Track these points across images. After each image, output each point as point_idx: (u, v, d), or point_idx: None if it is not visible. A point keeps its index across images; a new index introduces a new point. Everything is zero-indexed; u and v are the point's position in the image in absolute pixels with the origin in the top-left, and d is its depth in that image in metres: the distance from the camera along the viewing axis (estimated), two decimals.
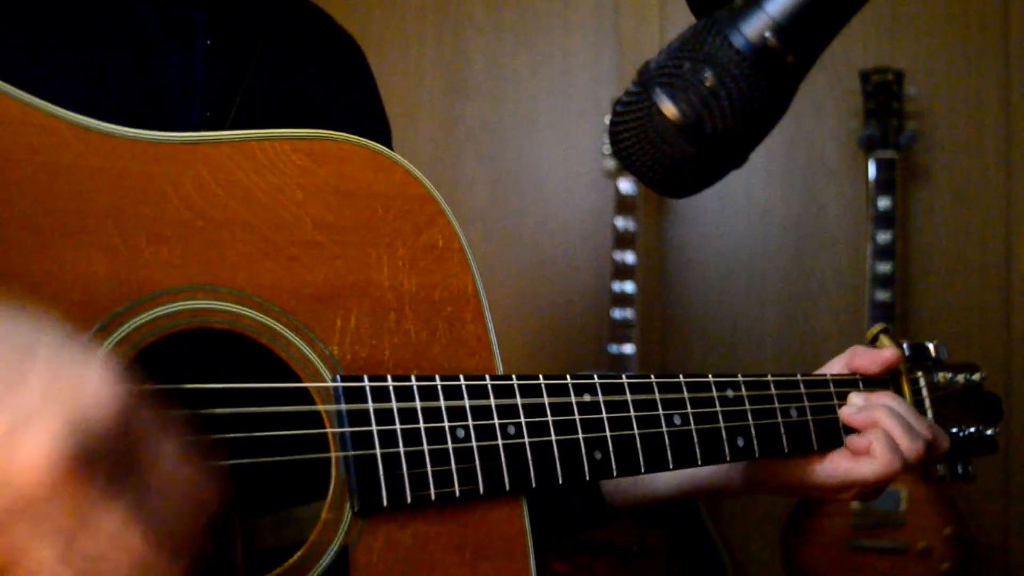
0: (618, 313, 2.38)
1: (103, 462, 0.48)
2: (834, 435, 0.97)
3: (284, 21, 1.00)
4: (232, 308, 0.68)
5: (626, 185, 2.40)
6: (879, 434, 0.94)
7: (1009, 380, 2.39)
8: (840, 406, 0.98)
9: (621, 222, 2.40)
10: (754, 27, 0.68)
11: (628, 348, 2.37)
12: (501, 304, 2.63)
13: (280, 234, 0.71)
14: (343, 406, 0.69)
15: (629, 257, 2.39)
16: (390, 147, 1.04)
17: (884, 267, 2.27)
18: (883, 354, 1.03)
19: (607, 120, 2.36)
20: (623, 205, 2.40)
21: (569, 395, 0.81)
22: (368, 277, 0.75)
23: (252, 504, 0.72)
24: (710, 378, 0.90)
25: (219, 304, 0.67)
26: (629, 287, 2.38)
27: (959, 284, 2.47)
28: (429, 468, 0.72)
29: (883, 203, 2.28)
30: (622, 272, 2.38)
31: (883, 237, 2.27)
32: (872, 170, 2.31)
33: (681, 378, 0.88)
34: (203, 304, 0.67)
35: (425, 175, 0.80)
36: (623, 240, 2.39)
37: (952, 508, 2.19)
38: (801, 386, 0.96)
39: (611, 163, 2.48)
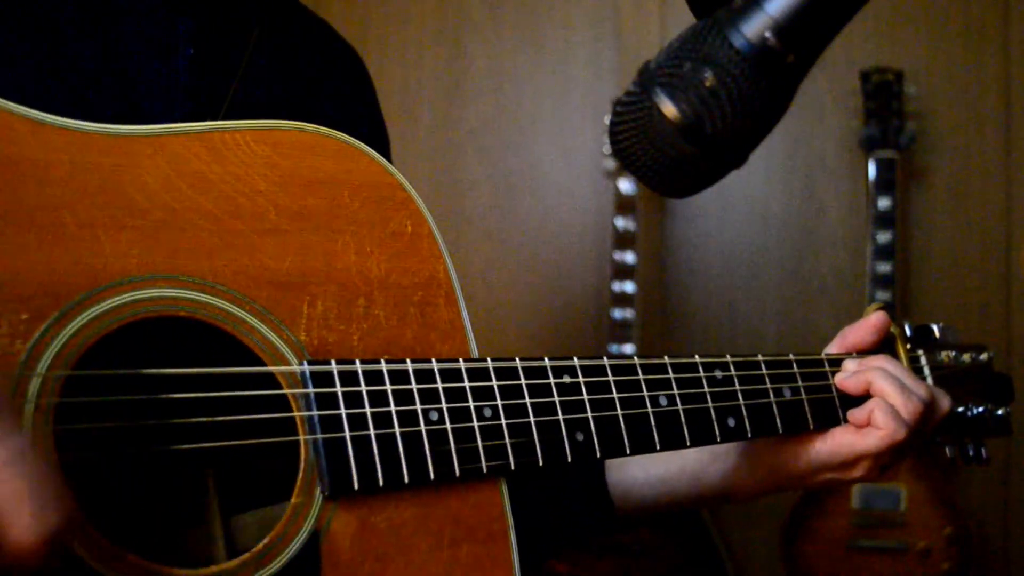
0: (618, 313, 2.38)
1: None
2: (831, 414, 0.95)
3: (278, 29, 0.98)
4: (194, 296, 0.67)
5: (626, 185, 2.40)
6: (878, 402, 0.91)
7: None
8: None
9: (621, 222, 2.40)
10: (754, 27, 0.68)
11: (628, 348, 2.37)
12: (500, 304, 2.63)
13: (243, 223, 0.71)
14: (311, 390, 0.69)
15: (629, 257, 2.39)
16: (388, 157, 1.04)
17: (884, 267, 2.27)
18: (870, 319, 1.00)
19: (607, 120, 2.37)
20: (623, 205, 2.41)
21: (548, 377, 0.79)
22: (335, 263, 0.74)
23: (235, 503, 0.71)
24: (697, 359, 0.88)
25: (180, 292, 0.67)
26: (629, 287, 2.38)
27: (959, 284, 2.47)
28: (401, 451, 0.71)
29: (883, 203, 2.28)
30: (622, 272, 2.38)
31: (883, 237, 2.27)
32: (872, 170, 2.31)
33: (666, 359, 0.86)
34: (164, 292, 0.66)
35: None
36: (623, 240, 2.39)
37: (952, 508, 2.19)
38: (794, 366, 0.94)
39: (611, 163, 2.48)
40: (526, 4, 2.70)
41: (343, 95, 1.04)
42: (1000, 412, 1.05)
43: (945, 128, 2.48)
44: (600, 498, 1.04)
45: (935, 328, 1.08)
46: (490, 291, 2.63)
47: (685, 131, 0.69)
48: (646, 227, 2.50)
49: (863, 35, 2.49)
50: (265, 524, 0.68)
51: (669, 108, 0.69)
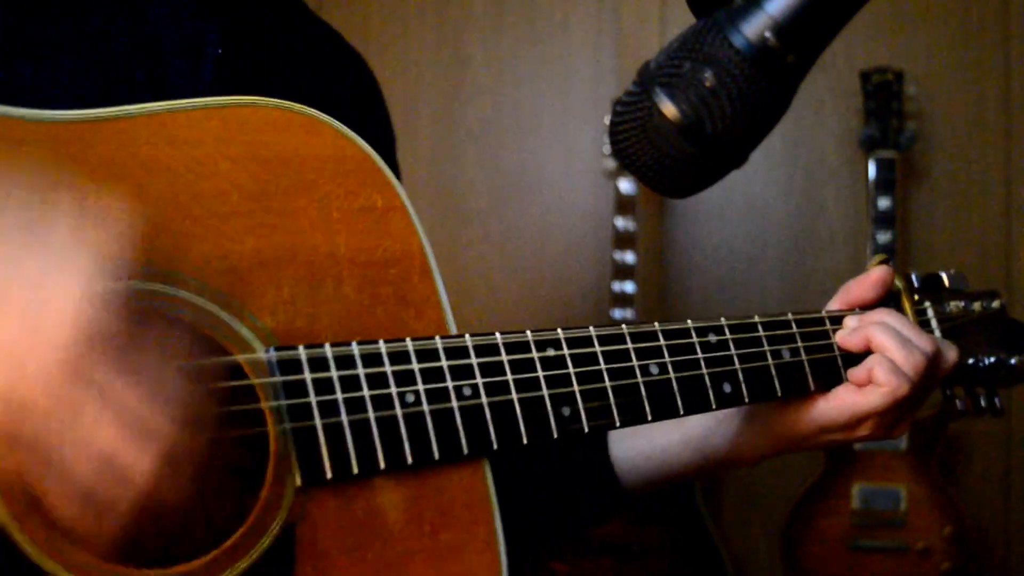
0: (618, 313, 2.38)
1: (100, 364, 0.54)
2: (834, 373, 0.91)
3: (298, 37, 0.99)
4: (152, 287, 0.64)
5: (626, 185, 2.40)
6: (878, 358, 0.88)
7: None
8: None
9: (621, 222, 2.40)
10: (754, 27, 0.68)
11: None
12: (500, 303, 2.63)
13: (201, 207, 0.67)
14: (278, 378, 0.66)
15: (629, 257, 2.39)
16: (394, 165, 1.04)
17: None
18: (872, 274, 0.97)
19: (607, 120, 2.37)
20: (623, 205, 2.40)
21: (530, 351, 0.76)
22: (301, 243, 0.71)
23: (215, 492, 0.70)
24: (689, 324, 0.85)
25: (135, 283, 0.63)
26: (629, 287, 2.38)
27: None
28: (376, 436, 0.68)
29: (883, 203, 2.28)
30: (622, 272, 2.38)
31: (883, 237, 2.27)
32: (872, 170, 2.31)
33: (656, 326, 0.83)
34: (119, 284, 0.62)
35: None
36: (623, 240, 2.39)
37: (952, 508, 2.19)
38: (793, 325, 0.91)
39: (611, 163, 2.48)
40: (526, 4, 2.70)
41: (358, 102, 1.05)
42: (1013, 361, 1.00)
43: (945, 128, 2.48)
44: (605, 475, 1.03)
45: (944, 276, 1.04)
46: (490, 291, 2.63)
47: (685, 131, 0.70)
48: (646, 227, 2.50)
49: (863, 35, 2.49)
50: (245, 516, 0.67)
51: (669, 108, 0.70)
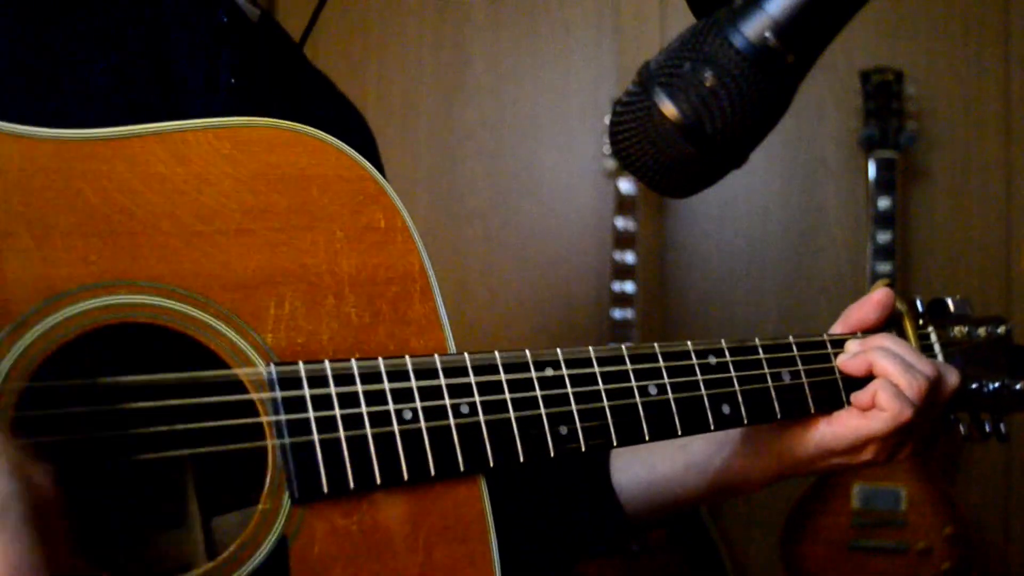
0: (618, 313, 2.38)
1: None
2: (835, 396, 0.92)
3: (298, 78, 1.03)
4: (154, 301, 0.65)
5: (626, 185, 2.40)
6: (882, 383, 0.89)
7: None
8: None
9: (621, 222, 2.40)
10: (754, 27, 0.68)
11: None
12: (500, 304, 2.63)
13: (206, 224, 0.68)
14: (277, 393, 0.67)
15: (629, 257, 2.39)
16: None
17: (884, 267, 2.27)
18: (873, 296, 0.98)
19: (607, 120, 2.36)
20: (623, 205, 2.41)
21: (529, 371, 0.77)
22: (303, 261, 0.72)
23: (217, 505, 0.71)
24: (689, 346, 0.86)
25: (140, 298, 0.64)
26: (629, 287, 2.38)
27: (959, 284, 2.47)
28: (373, 452, 0.69)
29: (883, 203, 2.28)
30: (622, 272, 2.38)
31: (883, 237, 2.27)
32: (872, 170, 2.31)
33: (656, 347, 0.84)
34: (123, 299, 0.64)
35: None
36: (623, 240, 2.39)
37: (952, 508, 2.19)
38: (794, 348, 0.91)
39: (611, 163, 2.48)
40: (526, 4, 2.70)
41: (355, 142, 1.09)
42: (1019, 386, 1.00)
43: (945, 128, 2.48)
44: (608, 503, 1.03)
45: (949, 302, 1.04)
46: (489, 291, 2.63)
47: (685, 131, 0.70)
48: (646, 227, 2.50)
49: (863, 35, 2.49)
50: (246, 526, 0.67)
51: (669, 108, 0.70)
